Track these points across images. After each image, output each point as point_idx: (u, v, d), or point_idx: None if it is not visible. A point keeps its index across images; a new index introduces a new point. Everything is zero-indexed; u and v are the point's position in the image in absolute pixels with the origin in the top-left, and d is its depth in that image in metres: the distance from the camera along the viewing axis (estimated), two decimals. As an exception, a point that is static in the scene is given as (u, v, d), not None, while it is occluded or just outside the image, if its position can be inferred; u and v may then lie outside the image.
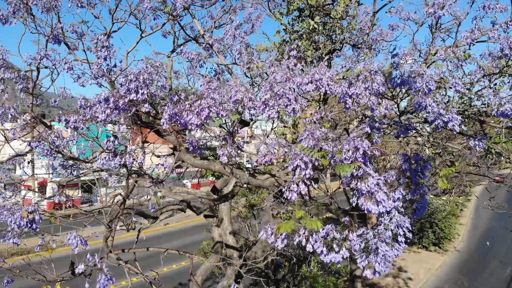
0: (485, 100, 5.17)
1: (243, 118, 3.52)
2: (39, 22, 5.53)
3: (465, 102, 5.77)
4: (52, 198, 5.24)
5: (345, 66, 5.01)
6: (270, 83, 3.18)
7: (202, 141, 4.09)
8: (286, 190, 2.71)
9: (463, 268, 24.22)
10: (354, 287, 20.05)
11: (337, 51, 6.03)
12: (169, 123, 3.07)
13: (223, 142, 3.61)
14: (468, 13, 4.98)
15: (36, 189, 28.58)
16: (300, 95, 3.94)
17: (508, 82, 4.68)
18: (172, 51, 9.28)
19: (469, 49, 4.84)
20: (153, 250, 4.83)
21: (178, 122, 3.15)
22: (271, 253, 10.46)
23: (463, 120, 5.16)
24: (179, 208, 5.94)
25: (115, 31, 9.23)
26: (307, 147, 2.90)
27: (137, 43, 9.33)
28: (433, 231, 27.52)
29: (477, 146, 4.03)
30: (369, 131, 3.30)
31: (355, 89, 3.64)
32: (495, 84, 4.68)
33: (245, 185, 9.57)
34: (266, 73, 5.27)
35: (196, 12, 8.08)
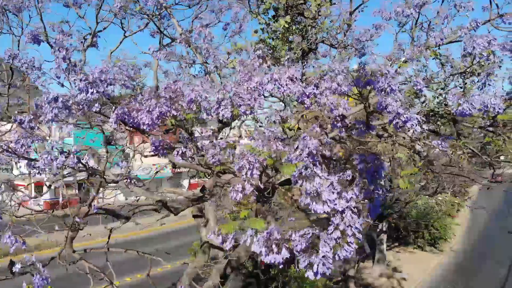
0: (442, 99, 5.16)
1: (201, 117, 3.51)
2: (11, 23, 5.52)
3: (440, 102, 5.75)
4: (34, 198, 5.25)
5: (317, 67, 4.98)
6: (224, 83, 3.18)
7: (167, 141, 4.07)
8: (231, 190, 2.70)
9: (459, 268, 24.18)
10: (347, 287, 20.07)
11: (312, 51, 6.01)
12: (120, 122, 3.07)
13: (182, 142, 3.60)
14: (438, 12, 4.96)
15: (33, 189, 28.60)
16: (262, 95, 3.93)
17: (478, 82, 4.65)
18: (158, 51, 9.28)
19: (439, 48, 4.83)
20: (112, 250, 4.82)
21: (130, 122, 3.14)
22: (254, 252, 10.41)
23: (430, 120, 5.16)
24: (153, 208, 5.92)
25: (100, 31, 9.23)
26: (256, 147, 2.88)
27: (120, 43, 9.34)
28: (429, 231, 27.47)
29: (440, 146, 4.02)
30: (318, 130, 3.28)
31: (313, 88, 3.63)
32: (465, 83, 4.67)
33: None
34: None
35: (182, 12, 8.08)
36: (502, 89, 4.25)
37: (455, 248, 28.06)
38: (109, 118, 3.04)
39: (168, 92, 3.20)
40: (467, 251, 27.34)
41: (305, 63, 6.18)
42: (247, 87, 3.45)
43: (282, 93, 4.16)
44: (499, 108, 3.54)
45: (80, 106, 3.17)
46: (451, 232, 29.57)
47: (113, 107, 3.01)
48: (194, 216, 11.75)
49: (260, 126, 6.10)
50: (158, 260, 6.06)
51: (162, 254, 5.85)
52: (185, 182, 40.85)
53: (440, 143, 4.05)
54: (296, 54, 5.54)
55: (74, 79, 3.20)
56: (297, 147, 2.78)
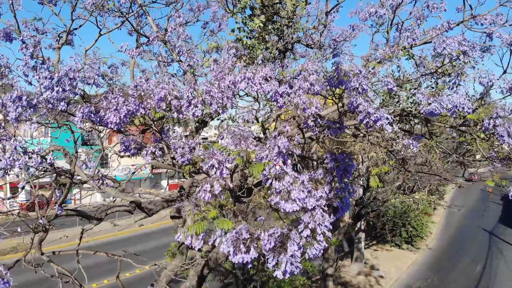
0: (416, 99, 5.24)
1: (171, 116, 3.46)
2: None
3: (413, 101, 5.84)
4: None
5: (290, 67, 4.99)
6: (194, 81, 3.13)
7: (137, 140, 4.00)
8: (200, 190, 2.66)
9: (435, 265, 24.68)
10: (325, 286, 20.22)
11: (288, 50, 6.02)
12: (85, 121, 2.99)
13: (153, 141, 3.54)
14: (411, 12, 5.03)
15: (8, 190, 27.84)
16: (236, 94, 3.91)
17: (449, 82, 4.74)
18: (136, 49, 9.14)
19: (411, 48, 4.90)
20: (83, 252, 4.72)
21: (98, 121, 3.06)
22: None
23: (403, 119, 5.23)
24: (126, 209, 5.82)
25: (75, 29, 9.03)
26: (226, 146, 2.86)
27: (96, 41, 9.15)
28: (406, 229, 27.97)
29: (411, 145, 4.07)
30: (288, 130, 3.27)
31: (286, 88, 3.62)
32: (437, 83, 4.74)
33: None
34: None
35: (160, 10, 7.98)
36: (473, 89, 4.34)
37: (431, 246, 28.65)
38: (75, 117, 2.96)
39: (137, 90, 3.14)
40: (443, 249, 27.93)
41: (282, 63, 6.19)
42: (220, 86, 3.42)
43: (256, 92, 4.15)
44: (468, 108, 3.61)
45: (48, 104, 3.08)
46: (428, 230, 30.20)
47: (79, 106, 2.93)
48: (172, 217, 11.65)
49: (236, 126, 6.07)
50: (131, 263, 5.96)
51: (132, 256, 5.74)
52: (164, 183, 40.40)
53: (411, 142, 4.11)
54: (272, 54, 5.53)
55: (39, 77, 3.11)
56: (267, 146, 2.77)
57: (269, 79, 3.81)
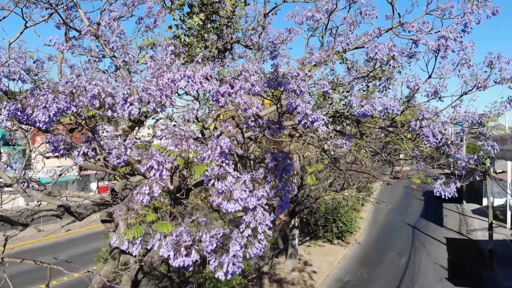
0: (347, 102, 5.52)
1: (105, 114, 3.27)
2: None
3: (345, 103, 6.10)
4: None
5: (230, 67, 4.97)
6: (130, 78, 2.99)
7: (67, 140, 3.73)
8: (137, 193, 2.55)
9: (364, 259, 26.09)
10: (261, 283, 20.52)
11: (228, 50, 6.00)
12: (11, 119, 2.73)
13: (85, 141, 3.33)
14: (345, 18, 5.25)
15: None
16: (174, 92, 3.80)
17: (379, 85, 5.03)
18: (63, 43, 8.58)
19: (345, 53, 5.11)
20: (8, 260, 4.33)
21: (25, 119, 2.81)
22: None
23: (336, 120, 5.45)
24: (54, 214, 5.43)
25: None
26: (166, 146, 2.76)
27: (21, 33, 8.46)
28: (336, 225, 29.26)
29: (344, 145, 4.26)
30: (231, 130, 3.26)
31: (227, 87, 3.60)
32: (368, 86, 5.02)
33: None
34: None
35: (91, 3, 7.54)
36: (401, 92, 4.63)
37: (360, 240, 30.26)
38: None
39: (68, 86, 2.92)
40: (371, 243, 29.62)
41: (222, 62, 6.16)
42: (158, 83, 3.31)
43: (197, 91, 4.08)
44: (397, 110, 3.85)
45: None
46: (356, 225, 31.87)
47: (4, 104, 2.66)
48: (103, 221, 11.12)
49: (174, 125, 5.92)
50: (60, 270, 5.58)
51: (61, 263, 5.39)
52: (93, 185, 38.36)
53: (344, 142, 4.29)
54: (211, 53, 5.47)
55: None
56: (209, 146, 2.72)
57: (209, 78, 3.76)
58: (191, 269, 2.51)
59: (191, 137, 2.83)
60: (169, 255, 2.41)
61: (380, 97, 4.34)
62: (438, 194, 4.35)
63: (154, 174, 2.57)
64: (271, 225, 3.03)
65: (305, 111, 3.69)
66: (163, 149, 2.65)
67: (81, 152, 3.11)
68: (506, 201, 31.10)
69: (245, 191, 2.85)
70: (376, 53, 3.94)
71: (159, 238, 2.57)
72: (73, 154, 3.10)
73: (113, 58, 4.84)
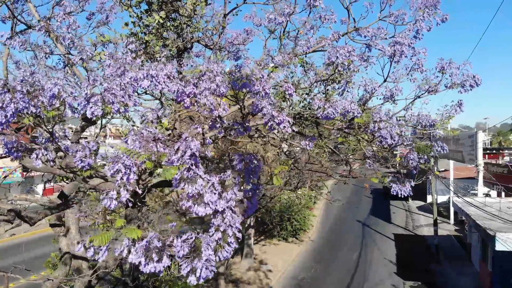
0: (311, 104, 5.65)
1: (65, 115, 3.12)
2: None
3: (304, 105, 6.22)
4: None
5: (192, 66, 4.90)
6: (93, 78, 2.87)
7: (22, 142, 3.51)
8: (105, 197, 2.45)
9: (317, 256, 26.72)
10: (217, 285, 20.43)
11: (188, 50, 5.92)
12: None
13: (42, 143, 3.15)
14: (305, 22, 5.35)
15: None
16: (135, 92, 3.70)
17: (338, 88, 5.17)
18: (10, 38, 8.05)
19: (305, 56, 5.21)
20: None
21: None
22: (125, 260, 9.87)
23: (296, 122, 5.55)
24: (5, 219, 5.09)
25: None
26: (133, 149, 2.68)
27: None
28: (291, 223, 29.77)
29: (307, 146, 4.34)
30: (200, 131, 3.23)
31: (193, 88, 3.55)
32: (327, 89, 5.14)
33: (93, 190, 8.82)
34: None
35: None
36: (357, 95, 4.80)
37: (313, 238, 30.97)
38: None
39: (25, 85, 2.75)
40: (323, 240, 30.40)
41: (181, 61, 6.06)
42: (121, 83, 3.20)
43: (160, 91, 3.99)
44: (358, 112, 3.98)
45: None
46: (309, 223, 32.60)
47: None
48: (52, 225, 10.59)
49: (133, 126, 5.75)
50: (15, 277, 5.26)
51: (7, 269, 5.07)
52: (39, 188, 36.32)
53: (307, 143, 4.38)
54: (171, 52, 5.37)
55: None
56: (178, 149, 2.67)
57: (172, 78, 3.69)
58: (161, 274, 2.45)
59: (160, 139, 2.77)
60: (140, 261, 2.34)
61: (339, 100, 4.47)
62: (395, 193, 4.56)
63: (121, 178, 2.48)
64: (240, 227, 3.03)
65: (271, 113, 3.72)
66: (131, 152, 2.57)
67: (40, 154, 2.93)
68: (449, 198, 33.13)
69: (214, 193, 2.83)
70: (337, 57, 4.05)
71: (127, 244, 2.49)
72: (32, 157, 2.92)
73: (68, 55, 4.61)
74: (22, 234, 27.26)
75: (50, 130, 3.14)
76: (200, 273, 2.43)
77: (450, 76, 4.97)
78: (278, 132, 5.23)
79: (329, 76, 4.55)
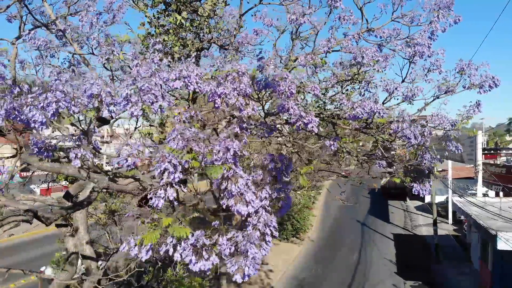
0: (337, 104, 5.68)
1: (102, 116, 3.13)
2: None
3: (320, 105, 6.25)
4: None
5: (213, 65, 4.93)
6: (133, 77, 2.89)
7: (51, 142, 3.52)
8: (153, 196, 2.47)
9: (317, 256, 26.77)
10: (219, 284, 20.44)
11: (205, 50, 5.94)
12: (8, 121, 2.53)
13: (77, 143, 3.16)
14: (325, 22, 5.39)
15: None
16: (167, 92, 3.71)
17: (358, 88, 5.22)
18: (18, 38, 8.04)
19: (326, 56, 5.25)
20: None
21: (18, 119, 2.62)
22: (134, 260, 9.89)
23: (319, 122, 5.59)
24: (24, 219, 5.09)
25: None
26: (176, 148, 2.70)
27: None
28: (291, 223, 29.82)
29: (332, 146, 4.38)
30: (239, 132, 3.26)
31: (224, 89, 3.58)
32: (347, 89, 5.18)
33: (104, 190, 8.82)
34: (129, 66, 4.86)
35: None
36: (378, 95, 4.84)
37: (313, 238, 31.04)
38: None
39: (66, 85, 2.76)
40: (323, 240, 30.47)
41: (197, 62, 6.08)
42: (156, 83, 3.22)
43: (192, 91, 4.00)
44: (384, 113, 4.02)
45: None
46: (309, 223, 32.66)
47: (1, 101, 2.46)
48: (58, 226, 10.56)
49: (151, 126, 5.77)
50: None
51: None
52: (33, 187, 36.11)
53: (332, 143, 4.41)
54: (191, 52, 5.39)
55: None
56: (220, 148, 2.69)
57: (204, 79, 3.72)
58: (208, 273, 2.47)
59: (200, 138, 2.78)
60: (190, 260, 2.36)
61: (366, 100, 4.50)
62: (416, 193, 4.61)
63: (168, 177, 2.50)
64: (277, 226, 3.06)
65: (299, 113, 3.75)
66: (176, 151, 2.58)
67: (79, 154, 2.95)
68: (447, 198, 33.31)
69: (254, 193, 2.86)
70: (363, 57, 4.09)
71: (172, 242, 2.51)
72: (71, 156, 2.93)
73: (93, 55, 4.62)
74: (21, 235, 27.13)
75: (85, 129, 3.15)
76: (248, 271, 2.45)
77: (468, 77, 5.02)
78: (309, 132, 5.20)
79: (352, 76, 4.59)
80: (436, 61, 5.15)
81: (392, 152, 5.52)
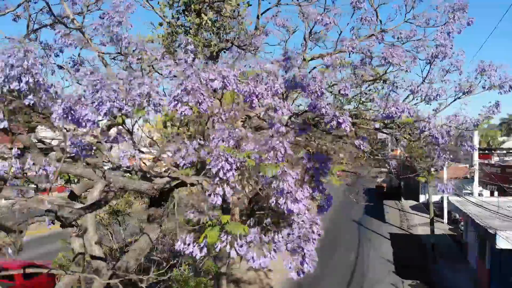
0: (356, 105, 5.76)
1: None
2: None
3: (338, 105, 6.32)
4: None
5: (244, 66, 4.96)
6: (184, 78, 2.92)
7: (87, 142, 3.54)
8: (211, 194, 2.50)
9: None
10: (219, 284, 20.42)
11: (224, 50, 5.97)
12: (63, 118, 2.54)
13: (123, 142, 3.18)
14: (348, 23, 5.46)
15: None
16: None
17: (382, 88, 5.30)
18: (26, 36, 8.01)
19: (349, 56, 5.31)
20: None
21: (70, 118, 2.63)
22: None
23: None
24: (49, 219, 5.07)
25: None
26: (229, 146, 2.74)
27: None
28: (289, 224, 29.86)
29: (362, 145, 4.44)
30: (284, 131, 3.30)
31: (261, 89, 3.63)
32: (369, 89, 5.26)
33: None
34: (152, 66, 4.87)
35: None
36: (403, 95, 4.92)
37: (311, 237, 31.08)
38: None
39: (118, 84, 2.78)
40: (321, 239, 30.34)
41: (215, 62, 6.12)
42: (200, 84, 3.25)
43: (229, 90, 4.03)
44: (413, 112, 4.10)
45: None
46: (306, 223, 32.72)
47: (59, 101, 2.47)
48: (63, 226, 10.51)
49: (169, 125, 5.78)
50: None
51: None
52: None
53: (361, 142, 4.48)
54: (213, 52, 5.42)
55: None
56: (271, 147, 2.73)
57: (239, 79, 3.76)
58: (265, 268, 2.51)
59: (249, 138, 2.82)
60: (252, 256, 2.40)
61: (386, 99, 4.58)
62: (441, 191, 4.69)
63: (224, 175, 2.54)
64: (320, 224, 3.10)
65: (333, 112, 3.79)
66: (229, 150, 2.62)
67: (128, 154, 2.97)
68: (441, 197, 33.63)
69: (302, 191, 2.90)
70: (393, 57, 4.16)
71: (229, 239, 2.54)
72: (120, 156, 2.96)
73: (120, 54, 4.62)
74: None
75: (130, 129, 3.17)
76: (307, 267, 2.50)
77: (488, 77, 5.11)
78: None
79: (382, 75, 4.66)
80: (456, 62, 5.23)
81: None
